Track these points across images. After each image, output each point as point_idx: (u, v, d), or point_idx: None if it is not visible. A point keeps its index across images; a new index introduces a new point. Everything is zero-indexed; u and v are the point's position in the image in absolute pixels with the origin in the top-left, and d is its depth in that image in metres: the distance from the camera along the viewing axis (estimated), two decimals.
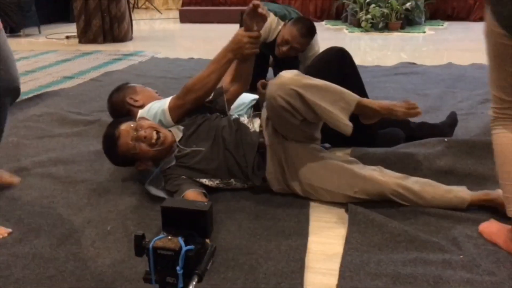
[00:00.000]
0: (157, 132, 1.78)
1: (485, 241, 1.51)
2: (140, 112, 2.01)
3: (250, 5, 1.77)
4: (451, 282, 1.32)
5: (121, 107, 2.22)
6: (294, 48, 2.73)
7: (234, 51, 1.84)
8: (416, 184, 1.69)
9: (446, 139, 2.08)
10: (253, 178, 1.83)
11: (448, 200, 1.66)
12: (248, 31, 1.82)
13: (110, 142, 1.79)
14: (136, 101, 2.20)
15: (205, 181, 1.83)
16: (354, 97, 1.69)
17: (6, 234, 1.60)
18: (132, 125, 1.79)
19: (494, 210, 1.65)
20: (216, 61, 1.86)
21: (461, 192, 1.68)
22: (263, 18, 1.80)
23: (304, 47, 2.78)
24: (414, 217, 1.65)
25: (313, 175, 1.76)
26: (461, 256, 1.43)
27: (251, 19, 1.80)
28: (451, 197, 1.67)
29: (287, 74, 1.65)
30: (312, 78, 1.67)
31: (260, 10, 1.76)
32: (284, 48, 2.73)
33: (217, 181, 1.84)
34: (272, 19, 2.83)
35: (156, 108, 1.95)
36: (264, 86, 2.77)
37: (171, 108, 1.91)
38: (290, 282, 1.35)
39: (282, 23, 2.83)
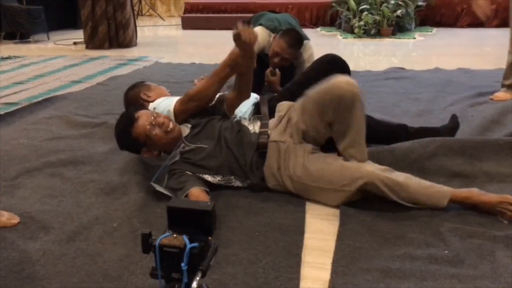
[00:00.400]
0: (172, 123, 1.85)
1: (470, 234, 1.52)
2: (150, 105, 2.06)
3: (235, 32, 1.77)
4: (436, 277, 1.33)
5: (135, 102, 2.28)
6: (284, 58, 2.75)
7: (231, 67, 1.88)
8: (401, 176, 1.69)
9: (438, 139, 2.06)
10: (251, 175, 1.85)
11: (430, 194, 1.66)
12: (236, 49, 1.83)
13: (128, 122, 1.83)
14: (149, 97, 2.26)
15: (207, 177, 1.84)
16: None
17: (17, 221, 1.64)
18: (150, 112, 1.85)
19: (473, 207, 1.66)
20: (216, 74, 1.90)
21: (443, 188, 1.68)
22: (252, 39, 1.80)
23: (294, 56, 2.81)
24: (402, 214, 1.66)
25: (304, 174, 1.76)
26: (446, 252, 1.45)
27: (240, 41, 1.80)
28: (433, 191, 1.66)
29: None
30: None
31: (243, 38, 1.76)
32: (276, 60, 2.76)
33: (219, 178, 1.86)
34: (265, 32, 2.86)
35: (163, 106, 1.99)
36: (273, 74, 2.79)
37: (176, 111, 1.94)
38: (287, 276, 1.36)
39: (273, 35, 2.85)
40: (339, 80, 1.73)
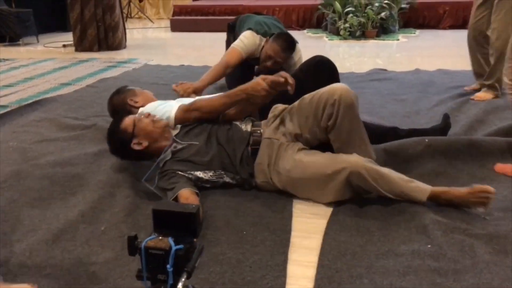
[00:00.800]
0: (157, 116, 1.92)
1: (452, 229, 1.54)
2: (140, 110, 2.04)
3: (281, 80, 1.79)
4: (418, 271, 1.35)
5: (122, 108, 2.23)
6: (277, 62, 2.74)
7: (248, 95, 1.86)
8: (384, 169, 1.70)
9: (427, 139, 2.06)
10: (240, 170, 1.85)
11: (411, 187, 1.67)
12: (269, 85, 1.82)
13: (116, 120, 1.91)
14: (136, 102, 2.22)
15: (199, 173, 1.83)
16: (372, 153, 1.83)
17: None
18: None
19: (449, 203, 1.67)
20: (230, 96, 1.90)
21: (423, 184, 1.70)
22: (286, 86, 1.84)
23: (286, 60, 2.79)
24: (389, 209, 1.67)
25: (293, 167, 1.77)
26: (429, 246, 1.46)
27: (277, 85, 1.82)
28: (414, 185, 1.68)
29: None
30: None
31: (290, 90, 1.80)
32: (268, 63, 2.74)
33: (210, 173, 1.85)
34: (255, 36, 2.85)
35: (162, 111, 1.97)
36: None
37: (177, 118, 1.95)
38: (274, 274, 1.36)
39: (264, 39, 2.84)
40: (336, 86, 1.77)
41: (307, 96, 1.84)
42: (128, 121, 1.88)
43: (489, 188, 1.61)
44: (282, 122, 1.91)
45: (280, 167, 1.80)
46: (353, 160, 1.68)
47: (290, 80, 1.78)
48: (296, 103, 1.89)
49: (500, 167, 1.98)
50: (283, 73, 1.85)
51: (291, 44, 2.78)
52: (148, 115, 1.89)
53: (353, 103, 1.74)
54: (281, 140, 1.84)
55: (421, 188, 1.68)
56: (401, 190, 1.67)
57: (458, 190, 1.67)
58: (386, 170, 1.70)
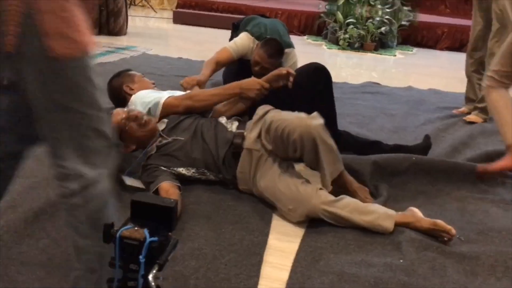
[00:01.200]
0: (146, 116, 1.86)
1: (425, 247, 1.54)
2: (133, 97, 2.03)
3: (284, 73, 1.90)
4: (389, 284, 1.36)
5: (118, 93, 2.22)
6: (264, 68, 2.70)
7: (242, 89, 1.91)
8: (345, 209, 1.64)
9: (414, 157, 2.07)
10: (223, 170, 1.84)
11: (372, 227, 1.63)
12: (264, 82, 1.92)
13: None
14: (132, 90, 2.20)
15: (182, 169, 1.83)
16: (342, 165, 1.77)
17: None
18: (122, 110, 1.87)
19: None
20: (224, 89, 1.94)
21: (386, 222, 1.63)
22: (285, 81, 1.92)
23: (275, 66, 2.74)
24: None
25: (266, 188, 1.75)
26: (401, 261, 1.47)
27: (277, 79, 1.90)
28: (376, 224, 1.63)
29: (320, 126, 1.68)
30: (329, 137, 1.71)
31: (289, 84, 1.91)
32: (257, 68, 2.69)
33: (193, 170, 1.85)
34: (249, 39, 2.83)
35: (151, 97, 1.96)
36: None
37: (165, 104, 1.93)
38: (247, 274, 1.37)
39: (257, 42, 2.82)
40: (295, 122, 1.67)
41: (275, 121, 1.73)
42: (114, 126, 1.79)
43: (452, 229, 1.58)
44: (260, 134, 1.84)
45: (257, 181, 1.78)
46: (314, 203, 1.63)
47: (292, 71, 1.82)
48: (268, 118, 1.78)
49: (481, 168, 2.02)
50: (281, 68, 1.89)
51: (277, 51, 2.71)
52: (136, 117, 1.82)
53: (314, 139, 1.64)
54: (261, 152, 1.79)
55: (382, 227, 1.62)
56: (363, 226, 1.63)
57: (421, 223, 1.63)
58: (346, 212, 1.63)
